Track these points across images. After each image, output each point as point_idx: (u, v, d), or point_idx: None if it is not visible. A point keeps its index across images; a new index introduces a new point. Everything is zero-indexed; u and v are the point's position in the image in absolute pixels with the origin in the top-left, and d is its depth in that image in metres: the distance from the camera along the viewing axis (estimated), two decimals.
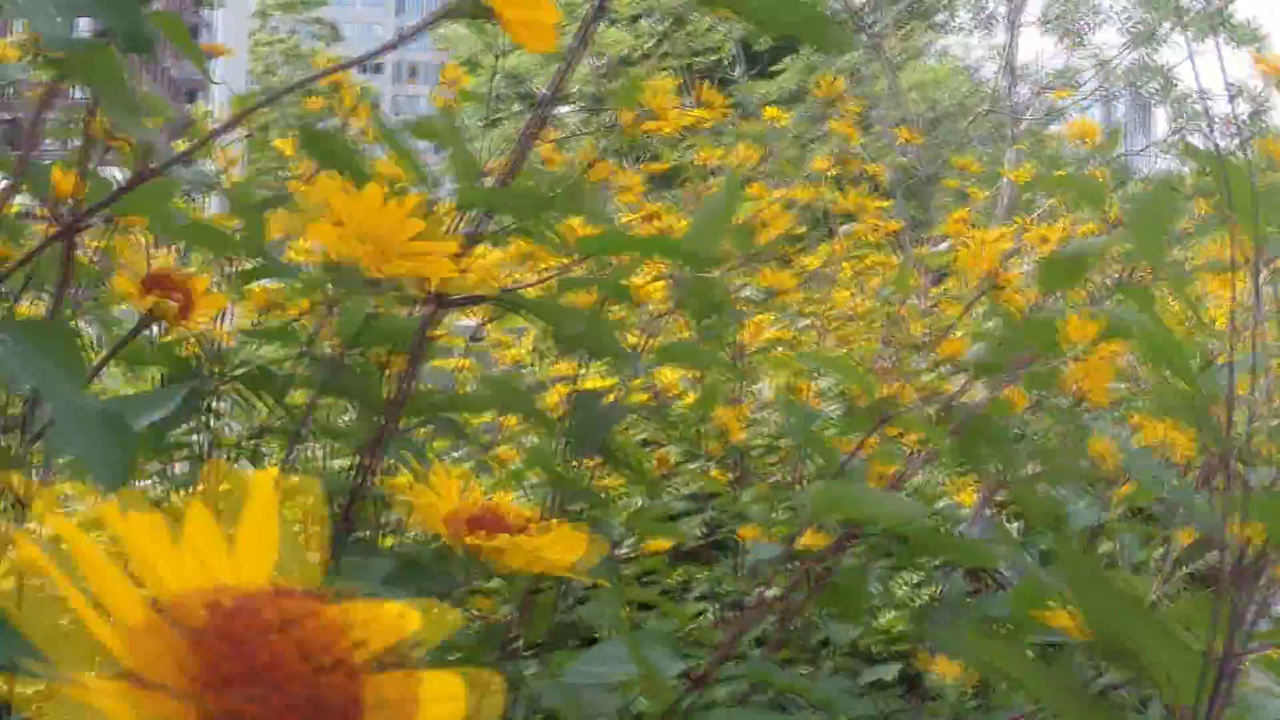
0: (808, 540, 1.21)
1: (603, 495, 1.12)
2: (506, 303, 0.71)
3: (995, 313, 1.24)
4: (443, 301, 0.74)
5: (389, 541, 1.13)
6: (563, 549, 0.53)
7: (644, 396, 1.80)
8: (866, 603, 1.10)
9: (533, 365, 2.06)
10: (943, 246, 2.14)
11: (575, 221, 1.23)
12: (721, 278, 1.06)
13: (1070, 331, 0.80)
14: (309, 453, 1.21)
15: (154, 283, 0.75)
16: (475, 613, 1.30)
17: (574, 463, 1.26)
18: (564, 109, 1.72)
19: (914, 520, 0.72)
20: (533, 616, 1.13)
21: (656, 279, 1.18)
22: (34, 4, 0.48)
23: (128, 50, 0.53)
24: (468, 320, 1.67)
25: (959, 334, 2.51)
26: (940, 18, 14.89)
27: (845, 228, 2.23)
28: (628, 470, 1.05)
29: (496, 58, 1.32)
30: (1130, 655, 0.62)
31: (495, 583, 1.32)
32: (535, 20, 0.56)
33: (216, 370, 1.10)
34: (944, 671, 1.02)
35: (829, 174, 2.08)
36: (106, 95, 0.57)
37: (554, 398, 1.46)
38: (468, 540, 0.53)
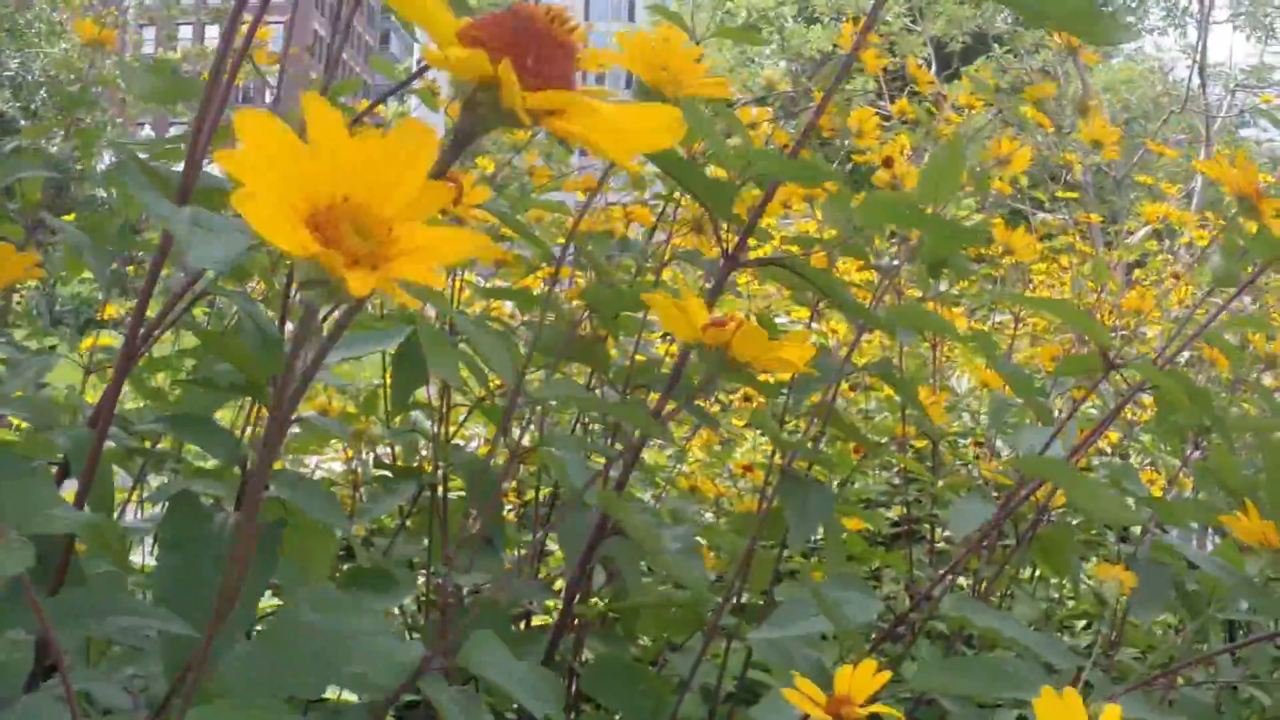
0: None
1: (826, 456, 1.18)
2: (788, 266, 0.80)
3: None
4: (735, 262, 0.83)
5: None
6: (796, 351, 0.63)
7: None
8: (1075, 552, 1.15)
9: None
10: (1139, 235, 2.13)
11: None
12: (954, 224, 1.11)
13: None
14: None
15: None
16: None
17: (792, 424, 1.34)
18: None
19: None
20: (754, 571, 1.20)
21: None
22: None
23: None
24: None
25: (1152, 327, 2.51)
26: (1130, 19, 14.49)
27: (1040, 218, 2.25)
28: (852, 434, 1.11)
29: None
30: None
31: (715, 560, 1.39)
32: None
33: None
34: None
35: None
36: None
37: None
38: (713, 337, 0.63)
